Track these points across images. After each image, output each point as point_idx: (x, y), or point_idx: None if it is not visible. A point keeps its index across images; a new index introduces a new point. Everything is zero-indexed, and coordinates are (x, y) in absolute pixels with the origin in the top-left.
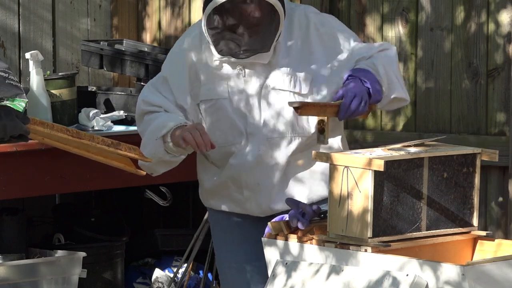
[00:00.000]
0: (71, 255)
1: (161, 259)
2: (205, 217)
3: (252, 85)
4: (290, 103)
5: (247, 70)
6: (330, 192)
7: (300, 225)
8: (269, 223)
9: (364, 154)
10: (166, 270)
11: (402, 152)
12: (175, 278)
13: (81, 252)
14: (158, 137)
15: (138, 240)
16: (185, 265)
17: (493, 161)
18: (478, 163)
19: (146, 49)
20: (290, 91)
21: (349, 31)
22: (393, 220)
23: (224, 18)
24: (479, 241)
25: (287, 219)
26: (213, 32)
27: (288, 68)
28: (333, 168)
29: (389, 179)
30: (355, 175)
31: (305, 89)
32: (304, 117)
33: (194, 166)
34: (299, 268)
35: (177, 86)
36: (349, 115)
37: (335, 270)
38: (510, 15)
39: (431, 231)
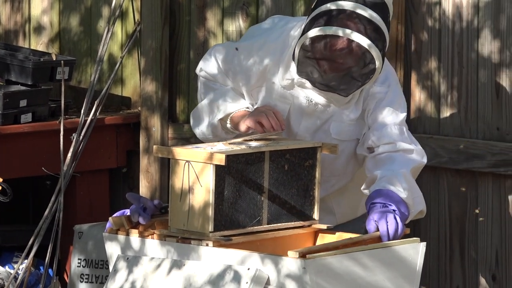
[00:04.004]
0: None
1: (1, 255)
2: (46, 212)
3: (312, 119)
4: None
5: (314, 101)
6: (171, 186)
7: (141, 220)
8: (110, 218)
9: (205, 149)
10: (7, 266)
11: (243, 146)
12: (16, 274)
13: None
14: (216, 120)
15: None
16: (26, 261)
17: None
18: (319, 156)
19: None
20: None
21: (403, 107)
22: (235, 214)
23: (318, 49)
24: (320, 234)
25: (129, 213)
26: (304, 54)
27: (350, 119)
28: (174, 162)
29: (230, 173)
30: (196, 169)
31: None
32: (344, 163)
33: (35, 161)
34: (140, 263)
35: (244, 73)
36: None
37: (176, 264)
38: None
39: (272, 224)
